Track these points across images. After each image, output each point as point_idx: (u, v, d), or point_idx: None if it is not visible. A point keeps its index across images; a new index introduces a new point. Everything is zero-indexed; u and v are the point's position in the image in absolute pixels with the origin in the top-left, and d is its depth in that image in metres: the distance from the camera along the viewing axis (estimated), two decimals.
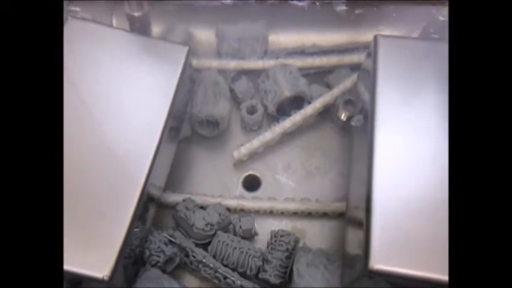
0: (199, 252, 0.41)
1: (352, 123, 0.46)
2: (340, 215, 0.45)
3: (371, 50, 0.42)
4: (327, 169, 0.49)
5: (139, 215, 0.36)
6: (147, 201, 0.38)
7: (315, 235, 0.45)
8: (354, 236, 0.38)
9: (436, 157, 0.35)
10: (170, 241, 0.42)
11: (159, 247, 0.41)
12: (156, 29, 0.47)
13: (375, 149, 0.36)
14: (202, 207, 0.44)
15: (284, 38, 0.54)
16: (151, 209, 0.41)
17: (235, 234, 0.44)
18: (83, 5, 0.52)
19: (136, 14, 0.42)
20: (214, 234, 0.43)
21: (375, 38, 0.41)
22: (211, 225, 0.42)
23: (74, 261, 0.31)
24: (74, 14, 0.50)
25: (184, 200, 0.44)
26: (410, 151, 0.36)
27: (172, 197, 0.46)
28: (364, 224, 0.33)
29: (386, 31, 0.53)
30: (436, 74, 0.39)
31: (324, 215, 0.46)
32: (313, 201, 0.46)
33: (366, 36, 0.52)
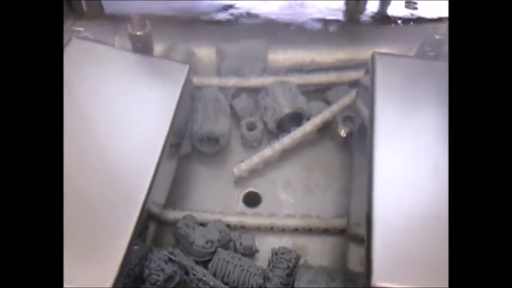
0: (199, 270, 0.41)
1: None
2: (341, 231, 0.45)
3: (369, 67, 0.42)
4: (327, 185, 0.49)
5: (139, 233, 0.36)
6: (147, 218, 0.38)
7: (316, 252, 0.45)
8: (355, 252, 0.38)
9: (436, 172, 0.35)
10: (170, 259, 0.41)
11: (158, 265, 0.40)
12: (157, 47, 0.48)
13: (374, 164, 0.36)
14: (203, 224, 0.44)
15: (283, 56, 0.55)
16: (151, 226, 0.41)
17: (235, 251, 0.43)
18: (86, 25, 0.53)
19: (138, 34, 0.43)
20: (214, 252, 0.42)
21: (373, 55, 0.42)
22: (212, 242, 0.42)
23: (73, 280, 0.31)
24: (77, 34, 0.51)
25: (184, 217, 0.44)
26: (410, 166, 0.36)
27: (173, 214, 0.45)
28: (366, 241, 0.33)
29: (383, 49, 0.54)
30: (433, 90, 0.39)
31: (325, 232, 0.45)
32: (313, 217, 0.46)
33: (363, 53, 0.53)
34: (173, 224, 0.44)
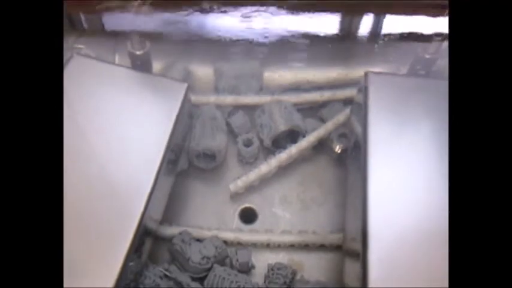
0: (195, 287, 0.41)
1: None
2: (337, 247, 0.45)
3: (362, 85, 0.44)
4: (323, 201, 0.50)
5: (135, 249, 0.36)
6: (143, 234, 0.38)
7: (313, 267, 0.45)
8: (351, 267, 0.38)
9: (430, 187, 0.36)
10: (165, 275, 0.41)
11: (154, 281, 0.40)
12: (156, 65, 0.49)
13: (369, 180, 0.37)
14: (199, 240, 0.44)
15: (279, 74, 0.57)
16: (147, 242, 0.41)
17: (231, 267, 0.43)
18: (87, 43, 0.54)
19: (138, 52, 0.44)
20: (210, 268, 0.42)
21: (366, 74, 0.43)
22: (208, 258, 0.42)
23: None
24: (78, 51, 0.52)
25: (180, 233, 0.44)
26: (404, 182, 0.37)
27: (169, 230, 0.45)
28: (361, 256, 0.33)
29: (376, 67, 0.55)
30: (424, 107, 0.41)
31: (321, 247, 0.46)
32: (310, 233, 0.46)
33: (356, 72, 0.55)
34: (169, 239, 0.44)
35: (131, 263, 0.36)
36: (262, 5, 0.60)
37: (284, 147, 0.50)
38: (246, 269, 0.44)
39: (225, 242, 0.44)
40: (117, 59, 0.52)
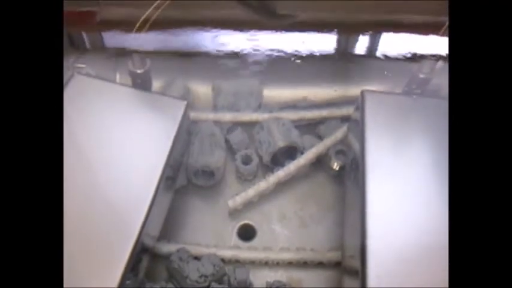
0: None
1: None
2: (336, 264, 0.45)
3: (358, 104, 0.44)
4: (321, 218, 0.49)
5: (132, 266, 0.36)
6: (140, 251, 0.38)
7: (311, 285, 0.44)
8: (350, 285, 0.37)
9: (428, 203, 0.36)
10: None
11: None
12: (156, 83, 0.49)
13: (367, 197, 0.37)
14: (197, 258, 0.44)
15: (277, 92, 0.58)
16: (144, 259, 0.41)
17: (229, 285, 0.43)
18: (88, 62, 0.55)
19: (139, 71, 0.45)
20: (208, 286, 0.42)
21: (362, 93, 0.44)
22: (206, 276, 0.42)
23: None
24: (79, 70, 0.53)
25: (178, 251, 0.44)
26: (402, 198, 0.37)
27: (167, 247, 0.45)
28: (360, 273, 0.33)
29: (372, 86, 0.56)
30: (420, 125, 0.41)
31: (320, 265, 0.45)
32: (308, 250, 0.46)
33: (353, 90, 0.56)
34: (167, 257, 0.44)
35: (128, 281, 0.35)
36: (261, 27, 0.61)
37: (282, 165, 0.50)
38: None
39: (223, 260, 0.44)
40: (118, 78, 0.53)
